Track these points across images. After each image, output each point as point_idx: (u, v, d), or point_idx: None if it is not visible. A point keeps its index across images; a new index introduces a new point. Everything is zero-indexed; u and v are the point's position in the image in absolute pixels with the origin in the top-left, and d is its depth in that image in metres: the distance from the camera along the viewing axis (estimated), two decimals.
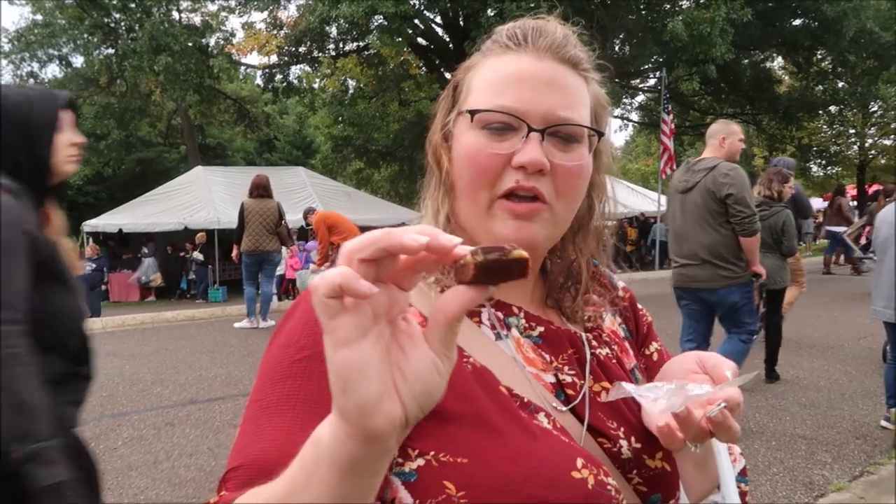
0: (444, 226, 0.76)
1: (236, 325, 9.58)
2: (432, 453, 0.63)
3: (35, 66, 21.54)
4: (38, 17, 20.58)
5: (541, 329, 0.78)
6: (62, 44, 20.11)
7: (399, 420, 0.45)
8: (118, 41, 18.60)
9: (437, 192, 0.78)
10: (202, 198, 16.53)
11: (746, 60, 21.67)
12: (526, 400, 0.69)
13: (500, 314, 0.77)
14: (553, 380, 0.75)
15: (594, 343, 0.81)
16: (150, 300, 16.31)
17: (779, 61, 25.23)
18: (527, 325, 0.78)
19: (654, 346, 0.92)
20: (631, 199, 23.92)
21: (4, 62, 21.46)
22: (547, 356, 0.76)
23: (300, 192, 18.03)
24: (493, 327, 0.75)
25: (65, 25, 19.13)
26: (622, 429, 0.74)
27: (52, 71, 23.81)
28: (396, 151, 24.14)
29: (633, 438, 0.74)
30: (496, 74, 0.75)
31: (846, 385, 5.62)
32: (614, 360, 0.81)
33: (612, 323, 0.88)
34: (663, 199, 22.87)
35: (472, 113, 0.73)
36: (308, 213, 11.59)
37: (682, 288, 4.49)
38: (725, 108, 25.52)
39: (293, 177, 19.12)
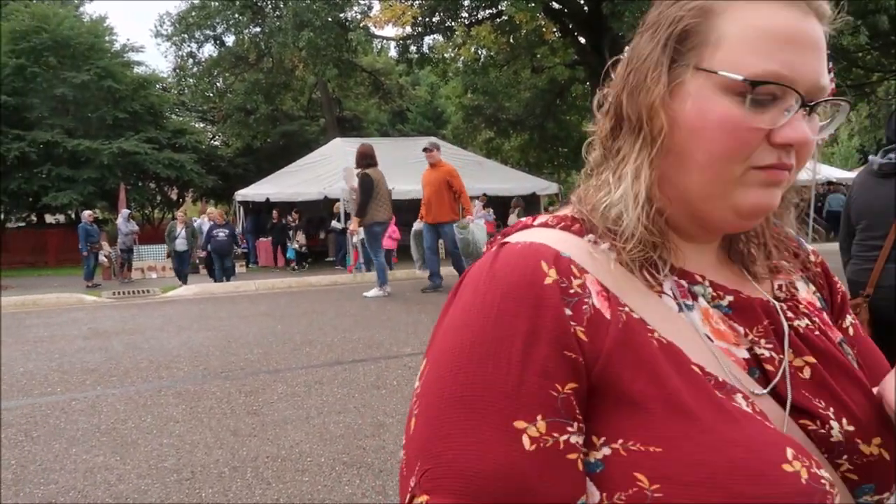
0: (643, 192, 0.66)
1: (366, 294, 9.73)
2: (620, 441, 0.58)
3: (193, 46, 23.29)
4: (196, 0, 22.18)
5: (730, 298, 0.70)
6: (216, 24, 21.56)
7: None
8: (265, 20, 19.67)
9: (639, 155, 0.66)
10: (341, 168, 17.23)
11: None
12: (721, 379, 0.62)
13: (682, 282, 0.69)
14: (747, 355, 0.67)
15: (790, 314, 0.72)
16: (292, 266, 17.33)
17: None
18: (714, 293, 0.70)
19: (849, 319, 0.82)
20: None
21: (168, 44, 23.40)
22: (740, 328, 0.68)
23: None
24: (675, 297, 0.67)
25: (218, 7, 20.51)
26: (832, 408, 0.66)
27: (208, 50, 25.62)
28: (527, 120, 23.87)
29: (844, 420, 0.65)
30: (758, 28, 0.62)
31: None
32: (817, 332, 0.72)
33: (807, 293, 0.79)
34: (819, 166, 21.07)
35: (753, 84, 0.61)
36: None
37: None
38: (895, 64, 22.88)
39: None
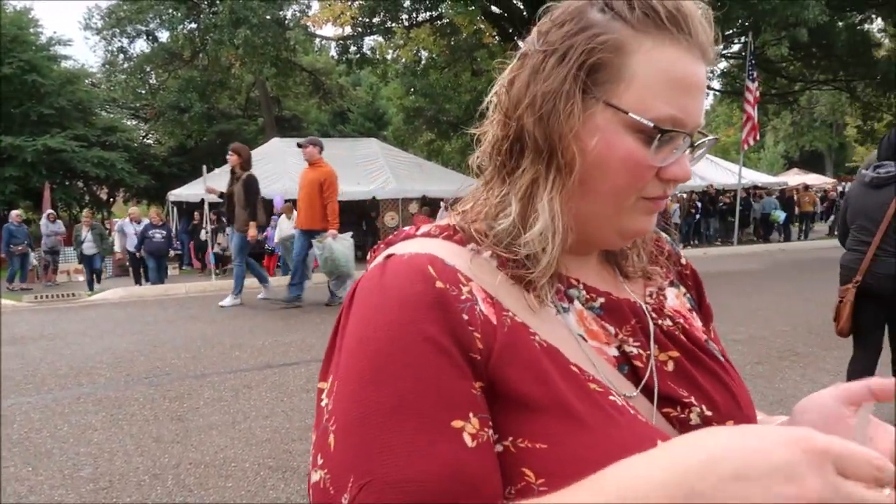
0: (560, 228, 0.68)
1: (221, 303, 9.18)
2: (510, 439, 0.61)
3: (125, 41, 22.51)
4: None
5: (602, 300, 0.74)
6: (149, 19, 20.91)
7: None
8: (200, 15, 19.19)
9: (553, 184, 0.67)
10: (278, 169, 16.98)
11: (841, 23, 20.26)
12: (596, 378, 0.66)
13: (560, 286, 0.72)
14: (617, 352, 0.71)
15: (654, 315, 0.77)
16: (229, 267, 16.94)
17: (878, 23, 23.45)
18: (588, 296, 0.74)
19: (711, 325, 0.89)
20: (710, 171, 23.05)
21: (97, 38, 22.54)
22: (610, 328, 0.73)
23: (373, 163, 18.27)
24: (552, 301, 0.71)
25: (151, 1, 19.87)
26: (693, 397, 0.71)
27: (140, 46, 24.78)
28: (468, 122, 24.07)
29: (704, 406, 0.71)
30: (666, 75, 0.65)
31: None
32: (679, 332, 0.77)
33: (675, 298, 0.84)
34: (745, 171, 22.02)
35: (661, 131, 0.66)
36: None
37: None
38: (816, 74, 24.05)
39: (366, 148, 19.40)
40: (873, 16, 21.72)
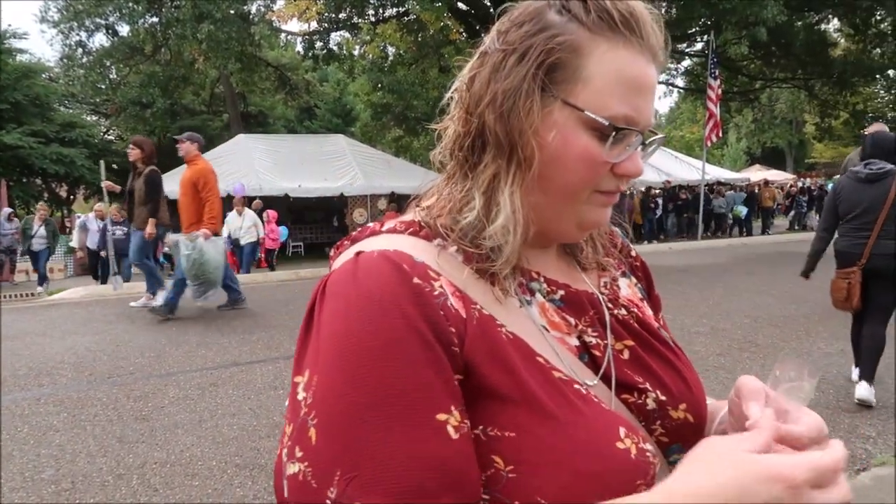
0: (521, 220, 0.70)
1: (133, 303, 8.93)
2: (481, 427, 0.63)
3: (83, 35, 21.92)
4: None
5: (562, 292, 0.77)
6: (109, 13, 20.39)
7: None
8: (162, 9, 18.80)
9: (513, 179, 0.70)
10: (244, 165, 16.77)
11: (799, 23, 20.70)
12: (560, 367, 0.69)
13: (522, 280, 0.75)
14: (577, 343, 0.74)
15: (610, 305, 0.81)
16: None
17: (834, 23, 24.08)
18: (549, 288, 0.77)
19: (660, 314, 0.93)
20: (674, 167, 23.42)
21: (54, 32, 21.93)
22: (571, 319, 0.76)
23: (340, 159, 18.14)
24: (516, 294, 0.74)
25: None
26: (648, 382, 0.75)
27: (100, 40, 24.21)
28: (436, 119, 24.01)
29: (658, 391, 0.74)
30: (620, 75, 0.69)
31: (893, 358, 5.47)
32: (633, 321, 0.81)
33: (627, 288, 0.88)
34: (709, 167, 22.41)
35: (616, 129, 0.69)
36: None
37: None
38: (776, 72, 24.56)
39: (333, 145, 19.26)
40: (830, 16, 22.28)
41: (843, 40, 25.51)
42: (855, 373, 4.70)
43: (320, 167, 17.60)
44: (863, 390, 4.39)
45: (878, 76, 23.05)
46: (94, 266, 13.80)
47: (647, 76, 0.70)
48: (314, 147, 19.09)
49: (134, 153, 8.20)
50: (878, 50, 21.44)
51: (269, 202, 16.67)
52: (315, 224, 20.75)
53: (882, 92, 30.52)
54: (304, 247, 19.33)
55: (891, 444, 3.77)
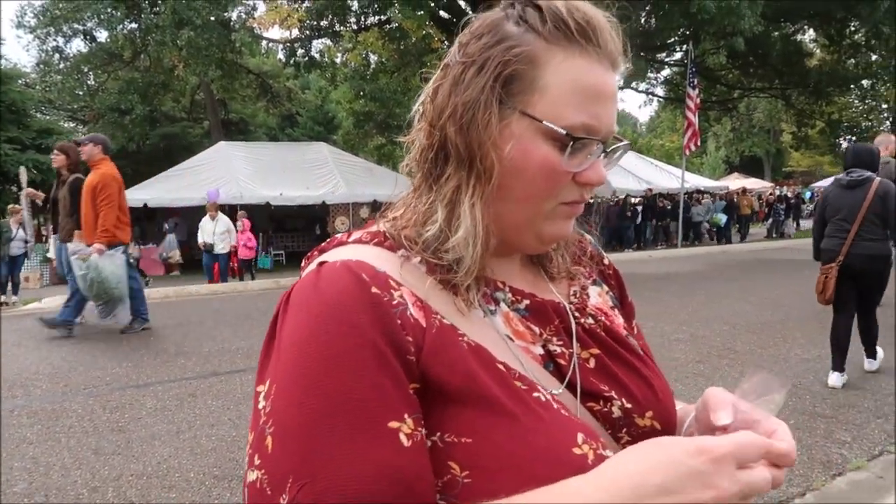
0: (482, 232, 0.70)
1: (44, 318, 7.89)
2: (438, 434, 0.63)
3: (60, 40, 21.71)
4: None
5: (527, 302, 0.78)
6: (86, 18, 20.20)
7: None
8: (141, 15, 18.67)
9: (474, 190, 0.70)
10: (225, 173, 16.67)
11: (776, 33, 21.10)
12: (522, 375, 0.69)
13: (486, 290, 0.76)
14: (542, 351, 0.75)
15: (577, 314, 0.81)
16: (174, 274, 16.55)
17: (810, 34, 24.56)
18: (513, 298, 0.77)
19: (634, 321, 0.94)
20: (655, 175, 23.65)
21: (30, 37, 21.69)
22: (535, 328, 0.76)
23: (322, 167, 18.11)
24: (480, 305, 0.74)
25: (89, 0, 19.21)
26: (613, 391, 0.75)
27: (77, 46, 23.95)
28: (404, 131, 24.03)
29: (624, 399, 0.75)
30: (577, 84, 0.69)
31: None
32: (600, 330, 0.81)
33: (598, 297, 0.88)
34: (688, 176, 22.67)
35: (573, 139, 0.69)
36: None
37: None
38: (753, 82, 24.98)
39: (315, 153, 19.22)
40: (805, 27, 22.71)
41: (818, 51, 25.96)
42: (833, 377, 5.06)
43: (302, 175, 17.54)
44: (869, 364, 5.29)
45: (852, 86, 23.51)
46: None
47: (605, 84, 0.71)
48: (296, 155, 19.03)
49: (58, 160, 7.47)
50: (853, 60, 21.89)
51: (250, 210, 16.57)
52: (296, 232, 20.67)
53: (857, 102, 31.13)
54: (285, 255, 19.21)
55: (866, 448, 3.82)
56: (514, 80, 0.69)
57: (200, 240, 13.25)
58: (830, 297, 5.01)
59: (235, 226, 13.89)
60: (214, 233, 13.05)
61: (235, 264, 14.19)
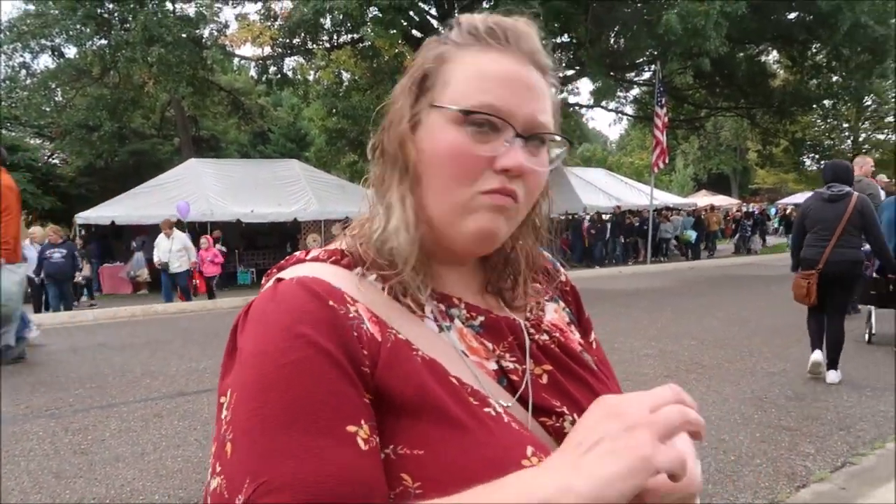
0: (412, 218, 0.74)
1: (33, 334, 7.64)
2: (391, 447, 0.64)
3: (27, 56, 21.37)
4: (31, 6, 20.41)
5: (481, 318, 0.79)
6: (55, 34, 19.95)
7: None
8: (111, 32, 18.51)
9: (400, 184, 0.75)
10: (195, 190, 16.50)
11: (741, 54, 21.66)
12: (475, 389, 0.70)
13: (441, 306, 0.77)
14: (496, 367, 0.76)
15: (532, 331, 0.82)
16: (142, 293, 16.27)
17: (773, 55, 25.24)
18: (468, 314, 0.79)
19: (592, 335, 0.96)
20: (624, 192, 23.98)
21: None
22: (489, 344, 0.78)
23: (294, 184, 18.02)
24: (435, 320, 0.76)
25: (57, 16, 18.97)
26: (565, 406, 0.76)
27: (45, 62, 23.59)
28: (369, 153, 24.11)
29: (575, 415, 0.76)
30: (479, 70, 0.73)
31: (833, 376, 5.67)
32: (553, 345, 0.83)
33: (554, 313, 0.90)
34: (657, 193, 23.03)
35: (465, 113, 0.71)
36: None
37: None
38: (720, 101, 25.55)
39: (287, 170, 19.13)
40: (769, 48, 23.34)
41: (781, 72, 26.67)
42: (814, 357, 5.66)
43: (274, 192, 17.44)
44: (832, 376, 5.52)
45: (814, 106, 24.15)
46: (38, 296, 12.89)
47: (514, 72, 0.73)
48: (267, 172, 18.92)
49: None
50: (815, 81, 22.49)
51: (221, 228, 16.42)
52: (268, 250, 20.47)
53: (819, 121, 31.98)
54: (255, 273, 19.01)
55: (829, 460, 3.89)
56: (427, 79, 0.75)
57: (156, 258, 12.74)
58: (815, 300, 5.46)
59: (199, 243, 13.52)
60: (170, 251, 12.57)
61: (198, 281, 13.76)
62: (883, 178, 7.91)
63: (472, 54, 0.74)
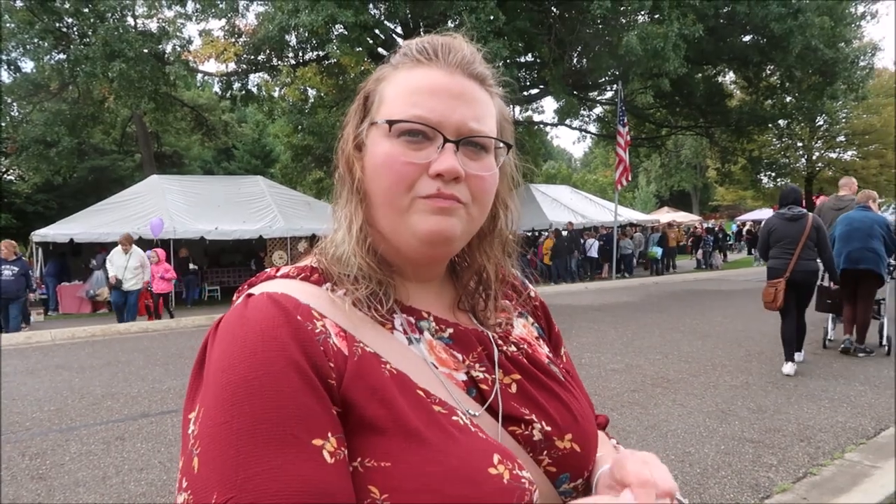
0: (359, 234, 0.78)
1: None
2: (359, 459, 0.66)
3: None
4: None
5: (451, 330, 0.82)
6: (11, 48, 19.52)
7: None
8: (70, 46, 18.16)
9: (349, 202, 0.80)
10: (157, 207, 16.21)
11: (699, 75, 22.25)
12: (443, 400, 0.72)
13: (411, 319, 0.80)
14: (465, 377, 0.78)
15: (500, 342, 0.85)
16: (102, 312, 15.87)
17: (730, 76, 25.97)
18: (437, 327, 0.81)
19: (563, 349, 0.99)
20: (589, 209, 24.31)
21: None
22: (458, 355, 0.80)
23: (259, 201, 17.84)
24: (405, 332, 0.78)
25: (14, 29, 18.56)
26: (534, 414, 0.79)
27: (1, 76, 23.01)
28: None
29: (544, 423, 0.79)
30: (409, 86, 0.78)
31: (792, 389, 5.81)
32: (522, 356, 0.85)
33: (522, 328, 0.93)
34: (621, 209, 23.42)
35: (391, 123, 0.75)
36: None
37: None
38: (680, 120, 26.17)
39: (252, 186, 18.93)
40: (725, 69, 24.02)
41: (738, 92, 27.44)
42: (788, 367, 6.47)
43: (238, 209, 17.23)
44: (788, 367, 6.41)
45: (770, 125, 24.89)
46: None
47: (442, 83, 0.77)
48: (232, 188, 18.70)
49: None
50: (770, 101, 23.21)
51: (185, 245, 16.14)
52: (232, 267, 20.19)
53: (774, 140, 32.93)
54: (220, 291, 18.72)
55: (791, 471, 3.98)
56: (367, 100, 0.82)
57: (110, 273, 12.03)
58: (781, 304, 6.33)
59: (149, 259, 12.75)
60: (126, 267, 11.97)
61: (150, 301, 13.05)
62: (872, 193, 8.15)
63: (404, 72, 0.79)
